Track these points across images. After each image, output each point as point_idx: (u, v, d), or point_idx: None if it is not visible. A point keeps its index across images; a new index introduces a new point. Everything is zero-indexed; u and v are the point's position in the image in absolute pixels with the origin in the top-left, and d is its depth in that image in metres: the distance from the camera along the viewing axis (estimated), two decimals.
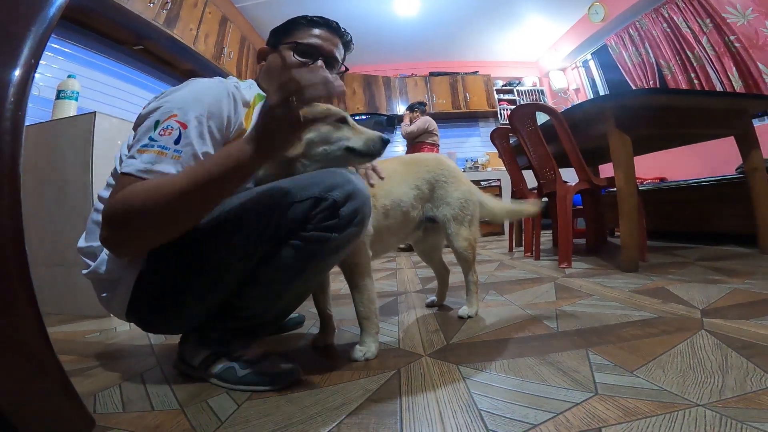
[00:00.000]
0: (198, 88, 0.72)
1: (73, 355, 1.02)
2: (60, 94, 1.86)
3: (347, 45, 0.97)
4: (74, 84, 1.90)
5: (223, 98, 0.72)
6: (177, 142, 0.65)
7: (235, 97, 0.76)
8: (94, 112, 1.54)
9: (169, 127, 0.65)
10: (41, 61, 0.51)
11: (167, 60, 2.95)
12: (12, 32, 0.49)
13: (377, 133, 0.78)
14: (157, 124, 0.65)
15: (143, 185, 0.61)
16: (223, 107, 0.72)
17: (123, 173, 0.63)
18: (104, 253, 0.71)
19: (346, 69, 1.00)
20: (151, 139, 0.64)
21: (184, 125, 0.65)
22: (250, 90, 0.85)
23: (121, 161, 0.74)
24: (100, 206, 0.74)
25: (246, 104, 0.82)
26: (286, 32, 0.91)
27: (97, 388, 0.77)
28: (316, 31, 0.91)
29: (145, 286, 0.71)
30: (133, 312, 0.73)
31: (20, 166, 0.47)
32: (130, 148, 0.71)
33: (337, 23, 0.94)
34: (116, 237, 0.63)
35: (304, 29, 0.91)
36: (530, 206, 1.30)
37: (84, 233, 0.77)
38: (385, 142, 0.77)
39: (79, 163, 1.52)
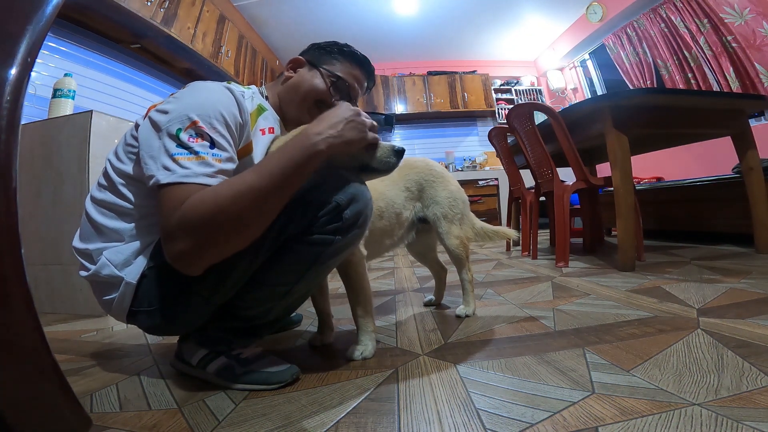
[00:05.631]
0: (211, 93, 0.69)
1: (70, 354, 1.01)
2: (56, 93, 1.85)
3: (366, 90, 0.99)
4: (71, 83, 1.89)
5: (234, 106, 0.70)
6: (212, 147, 0.63)
7: (244, 106, 0.74)
8: (91, 111, 1.54)
9: (199, 134, 0.63)
10: (38, 60, 0.51)
11: (165, 59, 2.95)
12: (8, 30, 0.49)
13: (391, 147, 0.77)
14: (179, 131, 0.62)
15: (213, 191, 0.58)
16: (236, 115, 0.71)
17: (169, 183, 0.59)
18: (104, 256, 0.70)
19: None
20: (183, 146, 0.61)
21: (211, 131, 0.64)
22: (252, 101, 0.83)
23: (116, 159, 0.74)
24: (92, 208, 0.74)
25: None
26: (329, 54, 0.89)
27: (94, 387, 0.77)
28: (357, 72, 0.92)
29: (148, 289, 0.70)
30: (134, 315, 0.73)
31: (16, 164, 0.47)
32: (135, 154, 0.70)
33: (374, 69, 0.95)
34: (198, 249, 0.58)
35: (347, 63, 0.90)
36: (508, 230, 1.28)
37: (78, 232, 0.76)
38: (399, 154, 0.77)
39: (75, 161, 1.51)
